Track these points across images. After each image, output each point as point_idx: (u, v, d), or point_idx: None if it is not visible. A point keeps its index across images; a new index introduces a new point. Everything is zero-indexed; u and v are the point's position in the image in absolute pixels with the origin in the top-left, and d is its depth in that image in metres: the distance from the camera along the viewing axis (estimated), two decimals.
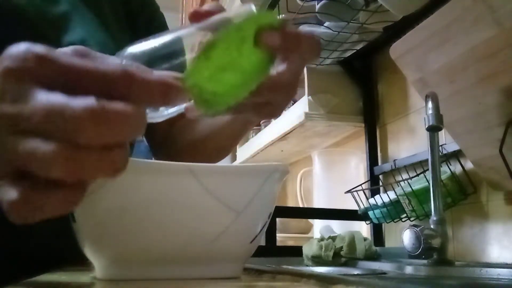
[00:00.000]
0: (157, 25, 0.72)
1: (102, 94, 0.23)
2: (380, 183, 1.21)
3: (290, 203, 1.85)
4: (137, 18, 0.70)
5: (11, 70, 0.23)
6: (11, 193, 0.23)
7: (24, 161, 0.23)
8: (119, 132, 0.23)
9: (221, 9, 0.36)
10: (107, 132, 0.22)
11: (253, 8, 0.36)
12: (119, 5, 0.67)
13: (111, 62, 0.25)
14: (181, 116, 0.39)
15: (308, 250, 0.95)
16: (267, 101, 0.39)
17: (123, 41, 0.64)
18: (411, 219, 0.98)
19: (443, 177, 0.89)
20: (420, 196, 0.91)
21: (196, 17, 0.36)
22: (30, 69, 0.23)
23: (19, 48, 0.24)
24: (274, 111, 0.41)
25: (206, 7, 0.36)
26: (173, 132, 0.68)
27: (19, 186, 0.23)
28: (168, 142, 0.67)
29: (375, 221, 1.07)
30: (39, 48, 0.24)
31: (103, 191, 0.33)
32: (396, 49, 0.89)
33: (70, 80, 0.24)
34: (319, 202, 1.36)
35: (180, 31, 0.36)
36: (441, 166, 0.86)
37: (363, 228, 1.22)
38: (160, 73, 0.27)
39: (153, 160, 0.34)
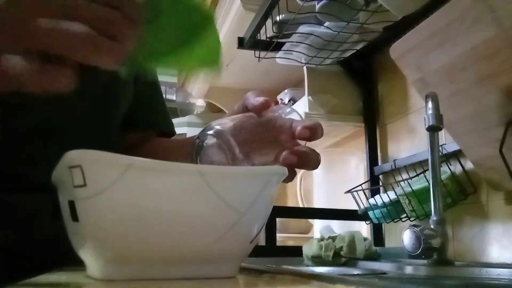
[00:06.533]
0: None
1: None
2: (380, 183, 1.21)
3: (290, 203, 1.85)
4: None
5: None
6: (31, 66, 0.31)
7: (52, 40, 0.30)
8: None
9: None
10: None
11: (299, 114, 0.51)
12: None
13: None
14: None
15: (308, 250, 0.95)
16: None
17: None
18: (411, 219, 0.98)
19: (443, 177, 0.89)
20: (420, 196, 0.91)
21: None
22: None
23: None
24: None
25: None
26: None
27: (36, 60, 0.31)
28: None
29: (375, 221, 1.07)
30: None
31: (111, 190, 0.33)
32: (396, 49, 0.89)
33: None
34: (319, 202, 1.36)
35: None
36: (441, 166, 0.86)
37: (363, 228, 1.22)
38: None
39: (163, 161, 0.34)
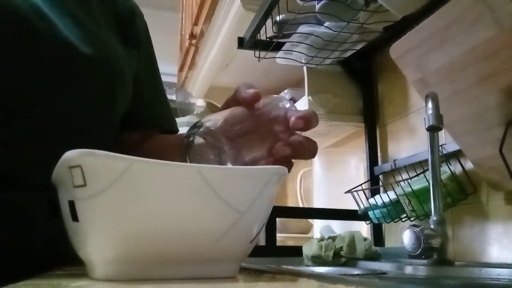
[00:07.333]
0: (149, 59, 0.75)
1: None
2: (380, 183, 1.21)
3: (290, 203, 1.85)
4: (128, 26, 0.69)
5: None
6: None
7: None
8: None
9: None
10: None
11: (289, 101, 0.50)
12: (108, 8, 0.67)
13: None
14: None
15: (308, 250, 0.95)
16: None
17: (112, 41, 0.64)
18: (411, 219, 0.98)
19: (443, 177, 0.89)
20: (420, 196, 0.91)
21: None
22: None
23: None
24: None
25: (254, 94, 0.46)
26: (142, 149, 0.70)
27: None
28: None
29: (375, 221, 1.07)
30: None
31: (111, 190, 0.33)
32: (396, 49, 0.89)
33: None
34: (319, 202, 1.36)
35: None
36: (441, 166, 0.86)
37: (363, 228, 1.22)
38: None
39: (163, 161, 0.34)
